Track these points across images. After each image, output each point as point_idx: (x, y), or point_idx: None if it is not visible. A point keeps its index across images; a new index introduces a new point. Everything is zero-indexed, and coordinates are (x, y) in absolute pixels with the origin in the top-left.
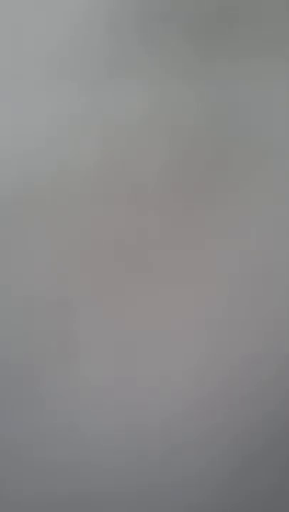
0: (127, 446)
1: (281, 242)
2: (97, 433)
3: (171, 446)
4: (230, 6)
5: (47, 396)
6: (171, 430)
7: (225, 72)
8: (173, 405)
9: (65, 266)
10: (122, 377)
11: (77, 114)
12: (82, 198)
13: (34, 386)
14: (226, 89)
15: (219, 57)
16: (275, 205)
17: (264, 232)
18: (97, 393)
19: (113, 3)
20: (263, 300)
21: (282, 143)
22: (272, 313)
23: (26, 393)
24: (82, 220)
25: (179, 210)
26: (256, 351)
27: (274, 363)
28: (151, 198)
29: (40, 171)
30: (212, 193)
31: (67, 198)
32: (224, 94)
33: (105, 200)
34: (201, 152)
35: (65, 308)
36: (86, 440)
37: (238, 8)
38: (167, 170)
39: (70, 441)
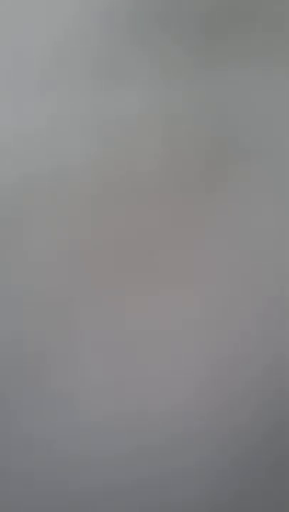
0: (127, 438)
1: (281, 241)
2: (97, 429)
3: (171, 438)
4: (228, 7)
5: (47, 394)
6: (171, 422)
7: (224, 72)
8: (172, 402)
9: (65, 266)
10: (121, 376)
11: (77, 114)
12: (82, 197)
13: (34, 385)
14: (226, 89)
15: (218, 58)
16: (274, 204)
17: (264, 231)
18: (96, 391)
19: (113, 4)
20: (263, 299)
21: (282, 143)
22: (272, 312)
23: (26, 392)
24: (82, 220)
25: (179, 210)
26: (256, 348)
27: (272, 359)
28: (151, 197)
29: (40, 171)
30: (212, 193)
31: (67, 198)
32: (223, 95)
33: (105, 200)
34: (200, 152)
35: (66, 308)
36: (86, 434)
37: (236, 9)
38: (167, 170)
39: (70, 435)
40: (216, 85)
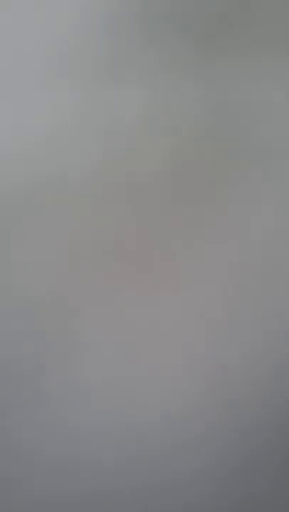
0: (126, 444)
1: (281, 241)
2: (97, 431)
3: (172, 442)
4: (231, 6)
5: (47, 395)
6: (171, 428)
7: (225, 72)
8: (173, 403)
9: (65, 266)
10: (121, 376)
11: (77, 114)
12: (82, 198)
13: (34, 385)
14: (226, 89)
15: (219, 58)
16: (275, 204)
17: (264, 231)
18: (97, 392)
19: (114, 3)
20: (263, 300)
21: (282, 143)
22: (272, 312)
23: (26, 392)
24: (82, 220)
25: (179, 209)
26: (256, 350)
27: (274, 361)
28: (151, 198)
29: (40, 171)
30: (212, 193)
31: (67, 198)
32: (224, 94)
33: (105, 200)
34: (201, 152)
35: (65, 308)
36: (86, 438)
37: (238, 8)
38: (167, 170)
39: (70, 439)
40: (220, 85)
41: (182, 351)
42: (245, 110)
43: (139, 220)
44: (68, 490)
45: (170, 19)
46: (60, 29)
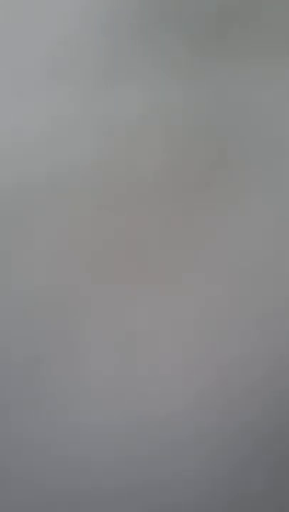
0: (126, 443)
1: (281, 241)
2: (97, 430)
3: (171, 442)
4: (229, 7)
5: (47, 394)
6: (170, 427)
7: (225, 72)
8: (172, 403)
9: (65, 266)
10: (121, 376)
11: (77, 114)
12: (82, 198)
13: (34, 385)
14: (226, 89)
15: (219, 58)
16: (274, 204)
17: (264, 231)
18: (97, 391)
19: (112, 4)
20: (263, 300)
21: (283, 143)
22: (271, 312)
23: (26, 392)
24: (81, 220)
25: (179, 210)
26: (255, 350)
27: (273, 361)
28: (151, 197)
29: (39, 171)
30: (212, 193)
31: (66, 198)
32: (224, 94)
33: (105, 200)
34: (200, 152)
35: (65, 309)
36: (86, 437)
37: (237, 9)
38: (167, 170)
39: (70, 439)
40: (219, 85)
41: (182, 351)
42: (245, 110)
43: (139, 220)
44: (68, 487)
45: (170, 19)
46: (60, 29)
